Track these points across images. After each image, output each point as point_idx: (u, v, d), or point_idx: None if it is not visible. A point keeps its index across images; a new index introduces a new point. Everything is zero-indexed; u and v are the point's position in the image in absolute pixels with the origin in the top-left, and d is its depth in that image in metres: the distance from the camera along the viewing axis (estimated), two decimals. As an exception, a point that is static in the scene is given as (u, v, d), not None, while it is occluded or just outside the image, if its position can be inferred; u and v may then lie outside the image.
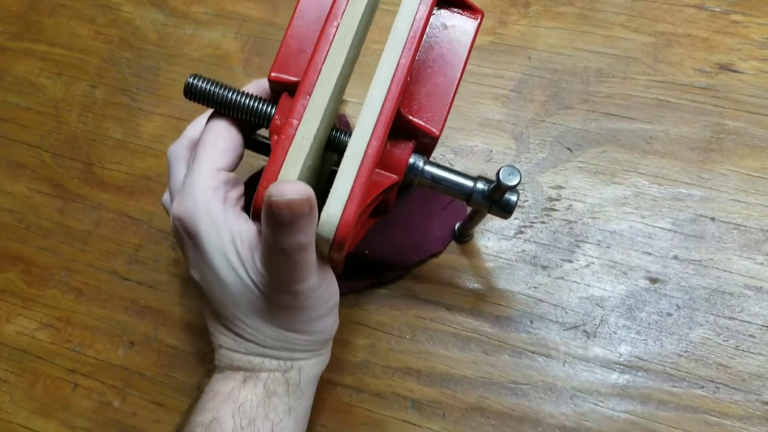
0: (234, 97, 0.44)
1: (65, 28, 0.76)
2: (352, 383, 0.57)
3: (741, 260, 0.57)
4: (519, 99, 0.65)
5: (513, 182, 0.44)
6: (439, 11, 0.48)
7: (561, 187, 0.61)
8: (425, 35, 0.47)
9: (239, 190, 0.45)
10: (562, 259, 0.58)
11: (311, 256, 0.41)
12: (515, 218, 0.60)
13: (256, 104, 0.44)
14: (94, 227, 0.66)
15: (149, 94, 0.71)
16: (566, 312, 0.57)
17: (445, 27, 0.48)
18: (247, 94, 0.45)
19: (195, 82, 0.45)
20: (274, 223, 0.38)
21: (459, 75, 0.48)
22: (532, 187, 0.61)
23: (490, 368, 0.56)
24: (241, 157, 0.46)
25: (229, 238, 0.42)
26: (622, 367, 0.55)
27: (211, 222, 0.42)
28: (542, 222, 0.60)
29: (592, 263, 0.58)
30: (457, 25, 0.48)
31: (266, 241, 0.40)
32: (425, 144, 0.48)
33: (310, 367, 0.48)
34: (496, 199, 0.46)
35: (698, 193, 0.59)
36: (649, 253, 0.58)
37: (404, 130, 0.46)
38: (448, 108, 0.47)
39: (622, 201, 0.60)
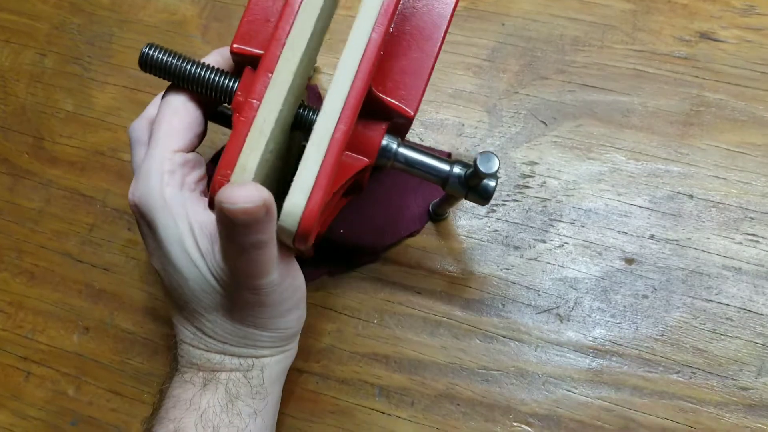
0: (193, 69, 0.41)
1: (13, -9, 0.71)
2: (318, 370, 0.55)
3: (719, 240, 0.55)
4: (492, 69, 0.62)
5: (492, 170, 0.41)
6: None
7: (535, 163, 0.58)
8: (400, 4, 0.43)
9: (199, 171, 0.42)
10: (535, 239, 0.56)
11: (271, 251, 0.38)
12: (487, 196, 0.58)
13: (216, 78, 0.41)
14: (45, 205, 0.62)
15: (102, 62, 0.67)
16: (539, 294, 0.55)
17: None
18: (208, 66, 0.41)
19: (150, 52, 0.41)
20: (227, 225, 0.35)
21: (437, 50, 0.44)
22: (504, 163, 0.58)
23: (460, 353, 0.54)
24: (202, 135, 0.43)
25: (186, 228, 0.39)
26: (595, 351, 0.53)
27: (168, 211, 0.39)
28: (515, 200, 0.57)
29: (566, 243, 0.56)
30: None
31: (222, 238, 0.37)
32: (399, 124, 0.45)
33: (275, 363, 0.46)
34: (473, 185, 0.43)
35: (676, 169, 0.57)
36: (625, 233, 0.56)
37: (377, 109, 0.43)
38: (424, 86, 0.44)
39: (597, 178, 0.57)
